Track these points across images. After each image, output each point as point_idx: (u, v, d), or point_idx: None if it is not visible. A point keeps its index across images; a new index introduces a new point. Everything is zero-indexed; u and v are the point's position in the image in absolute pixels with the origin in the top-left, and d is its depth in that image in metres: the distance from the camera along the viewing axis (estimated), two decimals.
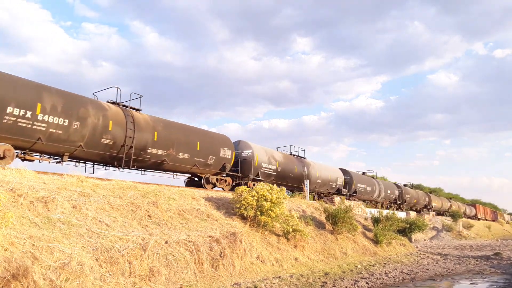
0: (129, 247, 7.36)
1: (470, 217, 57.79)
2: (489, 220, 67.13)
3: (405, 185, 42.19)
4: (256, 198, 11.35)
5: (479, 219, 63.41)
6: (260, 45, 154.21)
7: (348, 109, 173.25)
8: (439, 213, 44.91)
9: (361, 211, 22.55)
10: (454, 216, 43.50)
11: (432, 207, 44.02)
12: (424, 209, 42.51)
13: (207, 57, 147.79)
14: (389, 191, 33.72)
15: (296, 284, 9.12)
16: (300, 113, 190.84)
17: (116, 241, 7.40)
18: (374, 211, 22.89)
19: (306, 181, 21.13)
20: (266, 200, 11.41)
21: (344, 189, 26.01)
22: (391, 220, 18.64)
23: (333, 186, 25.21)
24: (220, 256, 8.87)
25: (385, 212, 20.87)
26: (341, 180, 26.04)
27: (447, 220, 41.88)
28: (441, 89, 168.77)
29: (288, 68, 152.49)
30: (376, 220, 19.00)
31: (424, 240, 31.67)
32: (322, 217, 15.78)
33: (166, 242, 8.17)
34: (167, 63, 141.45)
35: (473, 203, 71.42)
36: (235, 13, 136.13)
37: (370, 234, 17.51)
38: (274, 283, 8.75)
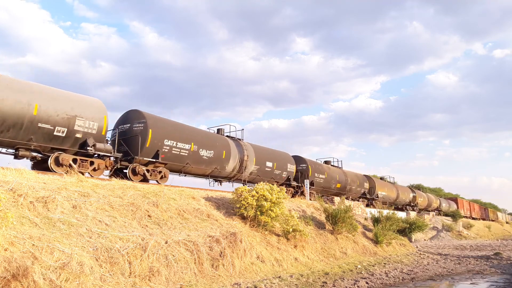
0: (129, 247, 7.36)
1: (448, 214, 49.56)
2: (476, 219, 59.70)
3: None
4: (256, 198, 11.35)
5: (465, 217, 56.18)
6: (259, 45, 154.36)
7: (348, 109, 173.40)
8: (384, 202, 32.45)
9: (361, 211, 22.56)
10: (454, 216, 43.53)
11: (378, 197, 31.02)
12: (363, 198, 29.57)
13: (206, 57, 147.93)
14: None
15: (296, 284, 9.11)
16: (300, 113, 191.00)
17: (116, 241, 7.40)
18: (374, 211, 22.90)
19: (306, 181, 21.13)
20: (266, 200, 11.41)
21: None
22: (391, 220, 18.65)
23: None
24: (220, 256, 8.87)
25: (385, 212, 20.87)
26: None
27: (447, 220, 41.88)
28: (440, 89, 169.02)
29: (287, 68, 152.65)
30: (376, 220, 19.01)
31: (424, 240, 31.68)
32: (322, 217, 15.77)
33: (166, 242, 8.17)
34: (167, 63, 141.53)
35: (454, 197, 62.49)
36: (235, 13, 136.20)
37: (370, 234, 17.51)
38: (274, 283, 8.75)
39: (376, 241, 16.92)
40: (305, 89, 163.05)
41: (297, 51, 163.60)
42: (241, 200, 11.41)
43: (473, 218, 58.95)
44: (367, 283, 10.08)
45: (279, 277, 9.40)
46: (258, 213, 11.38)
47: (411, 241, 24.69)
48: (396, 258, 15.92)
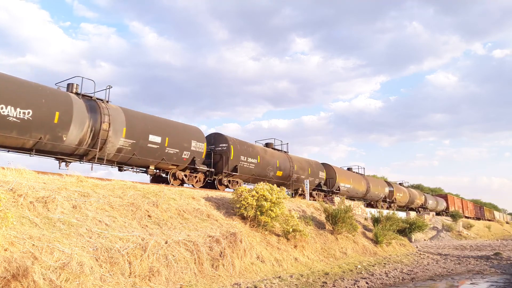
0: (129, 247, 7.36)
1: (438, 213, 47.22)
2: (470, 218, 56.15)
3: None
4: (256, 198, 11.35)
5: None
6: (259, 45, 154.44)
7: (348, 109, 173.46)
8: (351, 197, 26.93)
9: (361, 211, 22.56)
10: (454, 216, 43.54)
11: (340, 190, 25.46)
12: (318, 191, 24.25)
13: (206, 57, 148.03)
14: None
15: (296, 284, 9.11)
16: (300, 113, 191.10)
17: (116, 241, 7.40)
18: (374, 211, 22.89)
19: (306, 181, 21.12)
20: (266, 200, 11.41)
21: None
22: (391, 220, 18.66)
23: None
24: (220, 256, 8.87)
25: (385, 212, 20.87)
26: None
27: (447, 220, 41.88)
28: (440, 89, 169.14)
29: (287, 68, 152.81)
30: (376, 220, 19.02)
31: (424, 240, 31.68)
32: (322, 217, 15.78)
33: (166, 242, 8.17)
34: (166, 63, 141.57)
35: (444, 195, 56.16)
36: (234, 13, 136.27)
37: (370, 234, 17.51)
38: (274, 283, 8.75)
39: (376, 241, 16.92)
40: (305, 89, 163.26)
41: (296, 51, 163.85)
42: (241, 200, 11.41)
43: (466, 217, 54.69)
44: (367, 283, 10.08)
45: (279, 277, 9.40)
46: (258, 213, 11.38)
47: (411, 241, 24.69)
48: (396, 258, 15.91)
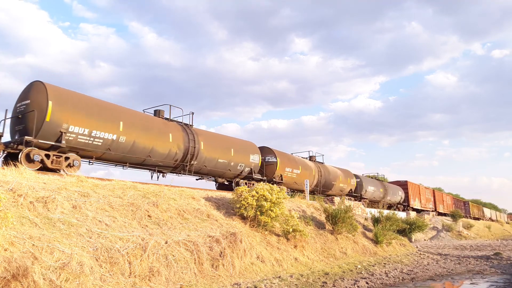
0: (129, 247, 7.36)
1: (390, 206, 33.64)
2: (446, 215, 46.54)
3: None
4: (256, 198, 11.35)
5: (415, 210, 37.99)
6: (258, 46, 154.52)
7: (347, 109, 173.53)
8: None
9: (361, 211, 22.56)
10: (454, 216, 43.53)
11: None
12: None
13: (206, 57, 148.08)
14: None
15: (296, 284, 9.11)
16: (299, 114, 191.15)
17: (116, 241, 7.40)
18: (374, 211, 22.90)
19: (306, 181, 21.14)
20: (266, 200, 11.41)
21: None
22: (391, 220, 18.66)
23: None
24: (220, 256, 8.87)
25: (385, 212, 20.88)
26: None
27: (447, 220, 41.88)
28: (440, 89, 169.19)
29: (286, 68, 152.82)
30: (376, 220, 19.02)
31: (424, 240, 31.68)
32: (322, 217, 15.78)
33: (166, 242, 8.17)
34: (166, 64, 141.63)
35: (404, 181, 39.09)
36: (234, 13, 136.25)
37: (370, 234, 17.51)
38: (274, 283, 8.75)
39: (376, 241, 16.92)
40: (304, 89, 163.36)
41: (296, 52, 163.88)
42: (241, 200, 11.41)
43: (440, 214, 44.32)
44: (367, 283, 10.08)
45: (279, 277, 9.40)
46: (258, 213, 11.38)
47: (411, 241, 24.69)
48: (396, 258, 15.91)
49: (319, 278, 10.11)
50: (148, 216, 9.24)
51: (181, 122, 16.11)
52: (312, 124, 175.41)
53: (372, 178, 35.08)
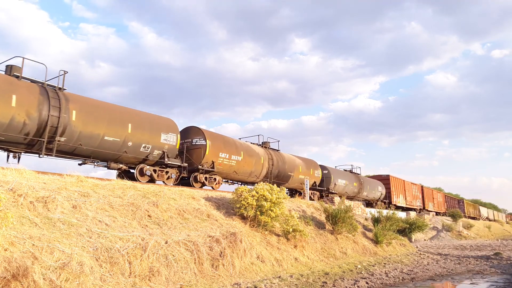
0: (129, 247, 7.36)
1: (368, 203, 30.87)
2: (441, 214, 44.49)
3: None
4: (256, 198, 11.35)
5: (398, 208, 34.38)
6: (258, 46, 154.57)
7: (347, 109, 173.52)
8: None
9: (361, 211, 22.56)
10: (454, 216, 43.51)
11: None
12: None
13: (205, 57, 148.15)
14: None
15: (296, 284, 9.11)
16: (299, 114, 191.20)
17: (116, 241, 7.40)
18: (374, 211, 22.90)
19: (306, 181, 21.12)
20: (266, 200, 11.41)
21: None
22: (391, 220, 18.66)
23: None
24: (220, 256, 8.87)
25: (385, 212, 20.88)
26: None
27: (447, 220, 41.88)
28: (440, 89, 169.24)
29: (286, 68, 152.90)
30: (376, 220, 19.02)
31: (424, 240, 31.68)
32: (322, 217, 15.78)
33: (166, 242, 8.17)
34: (166, 64, 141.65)
35: (386, 176, 34.96)
36: (233, 13, 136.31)
37: (370, 234, 17.51)
38: (274, 283, 8.75)
39: (376, 241, 16.92)
40: (304, 89, 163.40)
41: (295, 52, 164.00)
42: (241, 200, 11.41)
43: (430, 212, 41.73)
44: (367, 283, 10.08)
45: (279, 277, 9.40)
46: (258, 213, 11.38)
47: (411, 241, 24.69)
48: (396, 258, 15.92)
49: (319, 278, 10.12)
50: (148, 216, 9.25)
51: (42, 82, 11.59)
52: (312, 124, 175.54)
53: (346, 171, 29.58)
